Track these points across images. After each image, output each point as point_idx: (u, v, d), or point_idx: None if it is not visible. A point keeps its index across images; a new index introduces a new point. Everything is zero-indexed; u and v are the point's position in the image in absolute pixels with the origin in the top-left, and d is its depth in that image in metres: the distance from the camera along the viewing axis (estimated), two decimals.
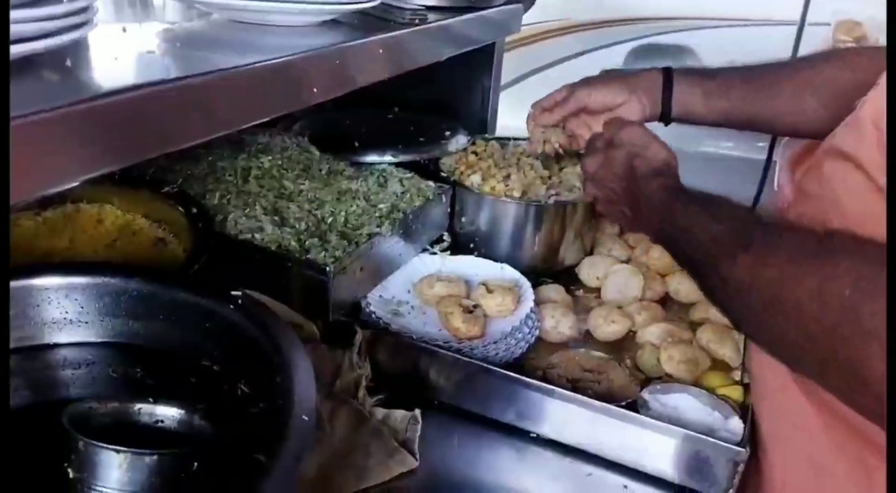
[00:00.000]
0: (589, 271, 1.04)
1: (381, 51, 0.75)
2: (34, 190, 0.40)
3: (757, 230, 0.55)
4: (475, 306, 0.82)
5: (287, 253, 0.79)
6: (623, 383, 0.76)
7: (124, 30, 0.63)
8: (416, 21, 0.82)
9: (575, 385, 0.76)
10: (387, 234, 0.86)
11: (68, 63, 0.49)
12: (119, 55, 0.53)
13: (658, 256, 1.04)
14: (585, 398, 0.69)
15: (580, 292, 1.02)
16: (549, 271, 1.03)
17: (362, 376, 0.77)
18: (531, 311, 0.85)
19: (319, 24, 0.76)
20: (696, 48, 1.39)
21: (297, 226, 0.84)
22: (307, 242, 0.81)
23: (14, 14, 0.39)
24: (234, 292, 0.55)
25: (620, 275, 1.00)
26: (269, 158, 0.93)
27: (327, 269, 0.76)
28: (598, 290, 1.02)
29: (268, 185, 0.90)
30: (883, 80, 0.58)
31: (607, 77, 0.90)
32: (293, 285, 0.78)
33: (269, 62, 0.58)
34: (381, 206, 0.92)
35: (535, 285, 0.92)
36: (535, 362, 0.82)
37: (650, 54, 1.39)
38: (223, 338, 0.55)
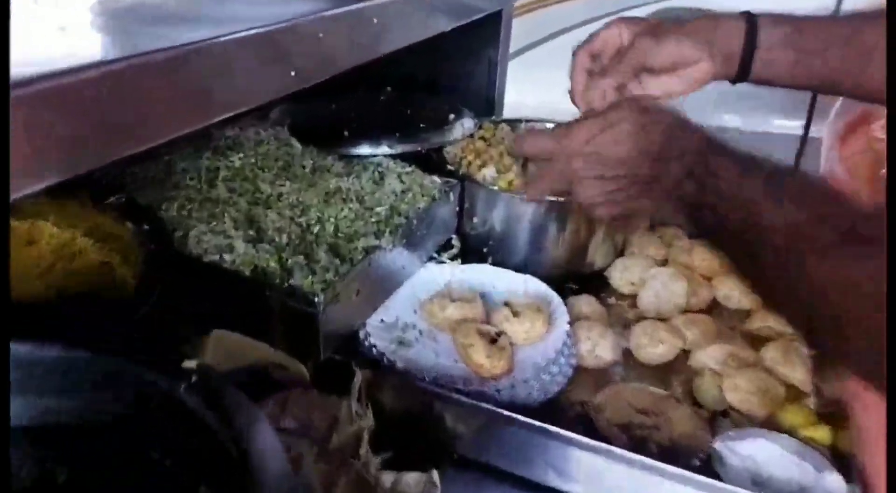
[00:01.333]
0: (621, 276, 0.89)
1: (375, 21, 0.59)
2: None
3: (856, 224, 0.43)
4: (499, 334, 0.67)
5: (265, 278, 0.63)
6: (688, 428, 0.62)
7: (35, 2, 0.47)
8: None
9: (628, 434, 0.61)
10: (387, 246, 0.70)
11: None
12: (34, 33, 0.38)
13: (703, 256, 0.89)
14: (649, 461, 0.55)
15: (612, 300, 0.87)
16: (575, 276, 0.88)
17: (364, 428, 0.62)
18: (566, 335, 0.70)
19: None
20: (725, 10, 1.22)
21: (278, 240, 0.68)
22: (290, 262, 0.65)
23: None
24: (186, 364, 0.40)
25: (659, 280, 0.85)
26: (241, 155, 0.77)
27: (316, 299, 0.60)
28: (633, 297, 0.87)
29: (239, 189, 0.74)
30: None
31: (677, 27, 0.69)
32: (274, 318, 0.63)
33: (232, 37, 0.43)
34: (379, 209, 0.76)
35: (559, 293, 0.78)
36: (572, 397, 0.67)
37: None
38: (174, 424, 0.40)
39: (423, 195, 0.80)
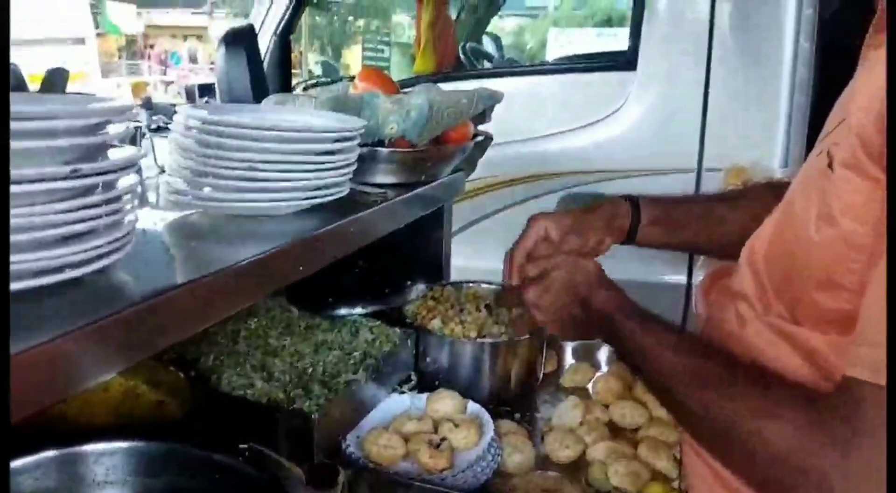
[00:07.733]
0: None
1: (352, 229, 0.92)
2: (78, 386, 0.50)
3: (713, 369, 0.62)
4: (442, 440, 0.94)
5: (276, 405, 0.90)
6: None
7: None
8: (379, 201, 1.00)
9: None
10: (362, 380, 0.98)
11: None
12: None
13: (607, 386, 1.18)
14: None
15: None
16: (503, 400, 1.16)
17: None
18: (492, 440, 0.96)
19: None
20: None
21: (283, 379, 0.96)
22: (293, 393, 0.93)
23: (63, 250, 0.48)
24: (241, 445, 0.67)
25: (563, 407, 1.13)
26: (256, 319, 1.06)
27: (313, 417, 0.87)
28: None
29: (255, 343, 1.02)
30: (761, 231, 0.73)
31: (586, 222, 0.90)
32: (281, 433, 0.89)
33: (261, 255, 0.71)
34: (355, 353, 1.05)
35: (495, 414, 1.05)
36: (498, 486, 0.93)
37: (576, 202, 1.62)
38: (236, 487, 0.66)
39: (387, 342, 1.10)
